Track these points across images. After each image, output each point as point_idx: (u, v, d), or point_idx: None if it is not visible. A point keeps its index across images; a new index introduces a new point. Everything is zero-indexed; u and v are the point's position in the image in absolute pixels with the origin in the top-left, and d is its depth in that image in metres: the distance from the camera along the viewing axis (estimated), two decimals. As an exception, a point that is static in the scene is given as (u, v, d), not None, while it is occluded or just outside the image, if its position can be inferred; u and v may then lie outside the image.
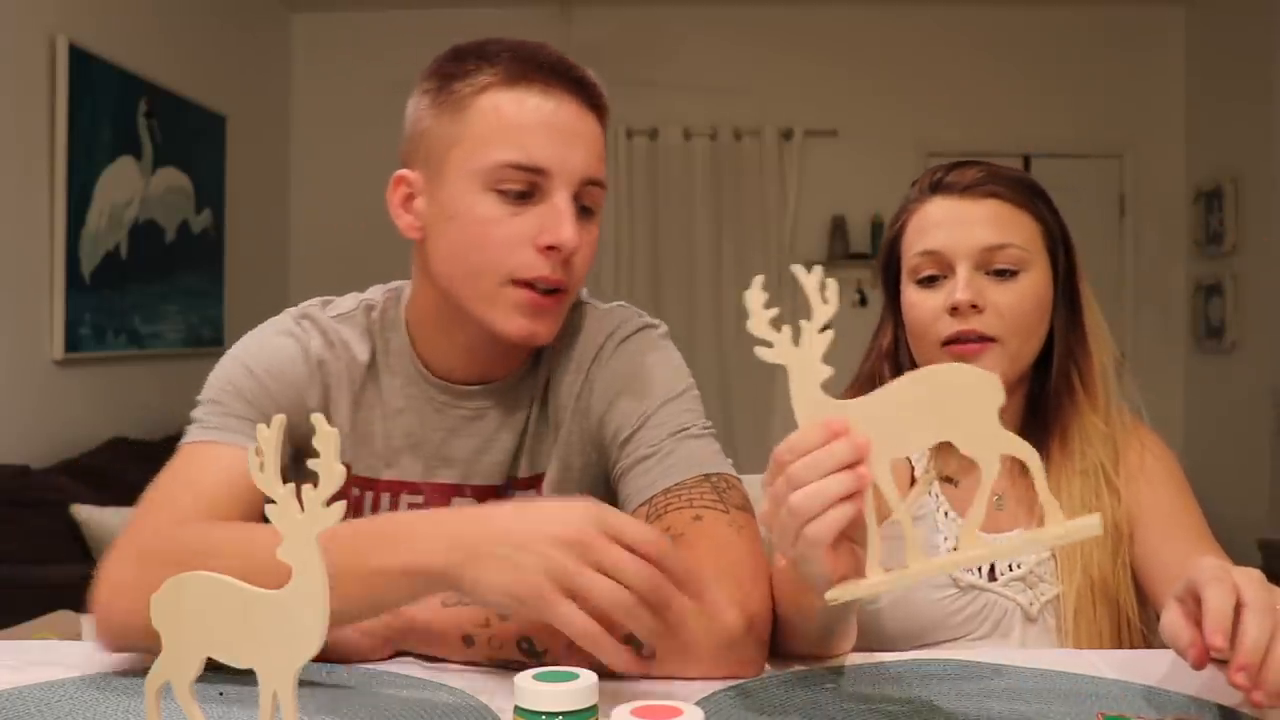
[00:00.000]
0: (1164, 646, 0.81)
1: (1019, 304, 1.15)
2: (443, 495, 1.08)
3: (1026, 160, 4.98)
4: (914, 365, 1.23)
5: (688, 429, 1.02)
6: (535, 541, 0.75)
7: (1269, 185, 4.37)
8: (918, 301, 1.19)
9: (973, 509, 0.71)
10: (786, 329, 0.71)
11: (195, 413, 1.01)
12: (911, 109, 5.15)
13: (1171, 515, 1.16)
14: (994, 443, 0.69)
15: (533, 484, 1.09)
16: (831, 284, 0.71)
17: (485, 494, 1.08)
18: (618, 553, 0.74)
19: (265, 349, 1.04)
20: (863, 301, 5.13)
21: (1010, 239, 1.16)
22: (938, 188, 1.20)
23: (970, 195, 1.18)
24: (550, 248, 0.96)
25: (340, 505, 0.57)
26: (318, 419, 0.57)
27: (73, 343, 3.49)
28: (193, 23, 4.34)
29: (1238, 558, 1.09)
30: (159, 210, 4.06)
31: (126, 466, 3.38)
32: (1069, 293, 1.22)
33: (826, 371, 0.71)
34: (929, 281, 1.18)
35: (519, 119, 0.97)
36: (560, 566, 0.74)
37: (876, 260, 1.28)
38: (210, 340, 4.48)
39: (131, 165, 3.85)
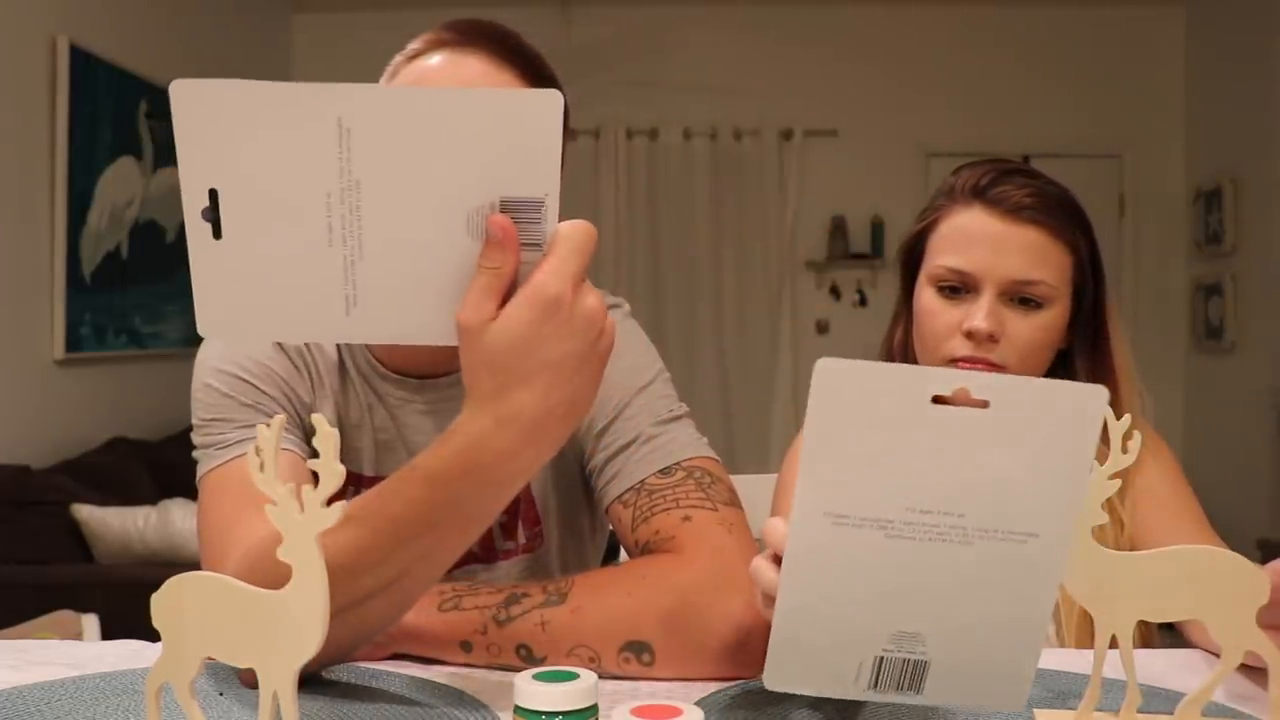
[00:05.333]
0: (1163, 646, 0.81)
1: (1035, 338, 1.13)
2: None
3: (1026, 161, 4.99)
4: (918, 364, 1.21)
5: (664, 415, 1.00)
6: None
7: (1269, 185, 4.37)
8: (935, 311, 1.15)
9: (1202, 689, 0.72)
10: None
11: (201, 437, 0.97)
12: (912, 109, 5.16)
13: (1166, 505, 1.15)
14: (1247, 639, 0.70)
15: None
16: (1137, 437, 0.70)
17: None
18: None
19: (237, 350, 0.99)
20: (863, 301, 5.14)
21: (1042, 276, 1.12)
22: (981, 196, 1.14)
23: (1013, 219, 1.12)
24: None
25: (340, 505, 0.57)
26: (317, 419, 0.57)
27: (73, 343, 3.49)
28: (193, 23, 4.34)
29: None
30: (159, 210, 4.06)
31: (126, 466, 3.39)
32: (1094, 325, 1.19)
33: (1101, 518, 0.71)
34: (950, 292, 1.15)
35: (416, 79, 0.96)
36: None
37: (899, 251, 1.23)
38: (210, 340, 4.48)
39: (132, 165, 3.85)
